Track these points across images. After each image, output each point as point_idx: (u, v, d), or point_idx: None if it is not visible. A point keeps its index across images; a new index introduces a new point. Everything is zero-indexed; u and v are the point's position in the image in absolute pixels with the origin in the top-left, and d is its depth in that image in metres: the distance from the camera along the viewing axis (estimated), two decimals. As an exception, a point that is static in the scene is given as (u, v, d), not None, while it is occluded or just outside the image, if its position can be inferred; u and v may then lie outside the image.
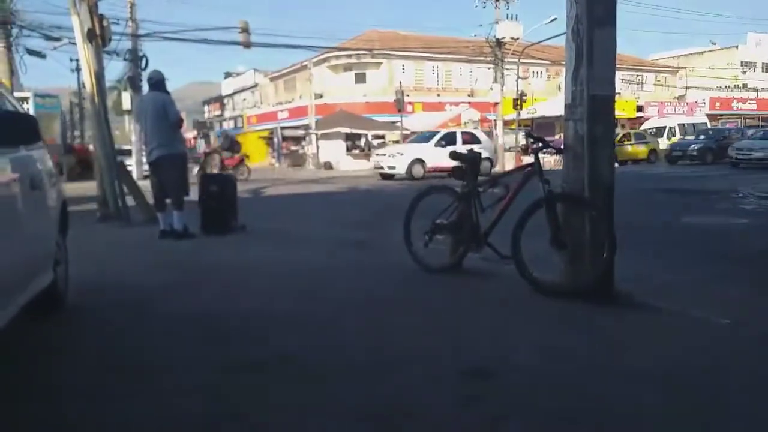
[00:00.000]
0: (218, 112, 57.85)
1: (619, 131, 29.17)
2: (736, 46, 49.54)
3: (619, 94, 31.73)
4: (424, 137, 21.77)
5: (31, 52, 23.24)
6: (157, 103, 7.15)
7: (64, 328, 3.69)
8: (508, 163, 26.18)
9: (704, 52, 51.12)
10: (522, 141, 29.45)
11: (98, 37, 9.24)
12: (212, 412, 2.47)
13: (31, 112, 17.83)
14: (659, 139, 31.00)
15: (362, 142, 32.52)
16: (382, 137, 32.27)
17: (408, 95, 33.37)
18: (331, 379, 2.81)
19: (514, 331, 3.53)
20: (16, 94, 19.74)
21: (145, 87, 8.59)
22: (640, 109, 39.74)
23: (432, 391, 2.66)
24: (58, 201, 3.93)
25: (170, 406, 2.53)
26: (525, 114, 33.53)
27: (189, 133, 48.67)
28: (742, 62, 49.43)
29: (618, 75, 4.48)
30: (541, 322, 3.70)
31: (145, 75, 24.19)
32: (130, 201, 9.22)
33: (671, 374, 2.83)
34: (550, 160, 17.37)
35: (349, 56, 38.82)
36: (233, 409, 2.49)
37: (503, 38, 31.21)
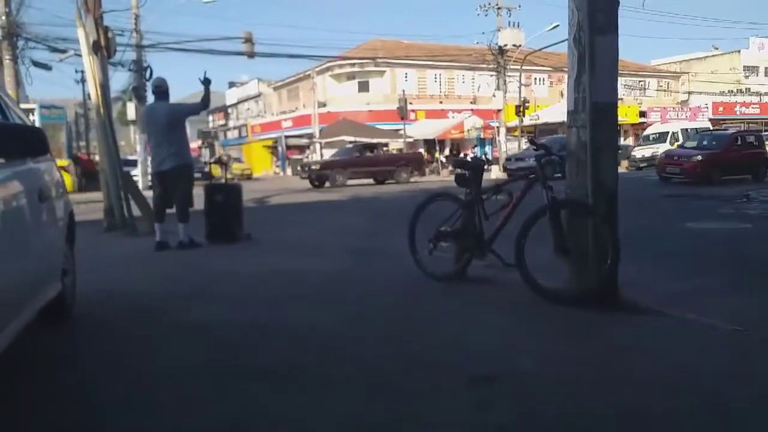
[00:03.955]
0: (222, 122, 58.08)
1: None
2: (739, 51, 49.57)
3: (622, 99, 31.62)
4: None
5: (37, 64, 23.40)
6: (167, 112, 7.14)
7: (71, 338, 3.72)
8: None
9: (706, 57, 51.20)
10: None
11: (103, 49, 9.33)
12: (212, 423, 2.47)
13: (37, 123, 17.94)
14: (661, 145, 30.84)
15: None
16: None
17: (411, 103, 33.46)
18: (336, 386, 2.82)
19: (520, 338, 3.54)
20: (22, 105, 19.86)
21: (150, 97, 8.64)
22: (642, 114, 39.75)
23: (440, 398, 2.66)
24: (65, 212, 3.96)
25: (170, 416, 2.54)
26: (528, 121, 33.60)
27: (193, 143, 48.95)
28: (744, 67, 49.45)
29: (620, 80, 4.51)
30: (547, 329, 3.71)
31: (150, 85, 24.44)
32: (135, 211, 9.26)
33: (678, 381, 2.83)
34: None
35: (352, 65, 39.01)
36: (233, 420, 2.48)
37: (505, 46, 31.39)
